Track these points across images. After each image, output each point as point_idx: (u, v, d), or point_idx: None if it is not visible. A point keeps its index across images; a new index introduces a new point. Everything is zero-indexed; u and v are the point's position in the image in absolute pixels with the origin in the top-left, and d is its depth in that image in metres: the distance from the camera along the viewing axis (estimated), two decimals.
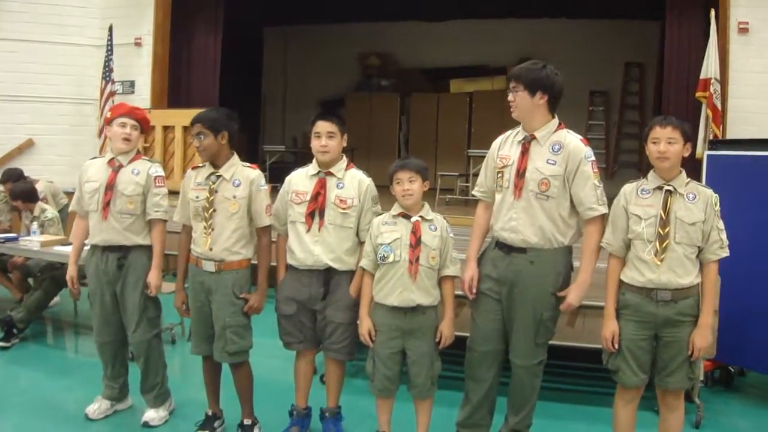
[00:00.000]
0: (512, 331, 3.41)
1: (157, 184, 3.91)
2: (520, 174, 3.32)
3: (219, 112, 3.71)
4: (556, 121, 3.39)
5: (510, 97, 3.34)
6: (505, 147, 3.48)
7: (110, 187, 3.83)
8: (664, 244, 3.07)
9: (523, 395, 3.48)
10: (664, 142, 3.09)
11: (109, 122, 3.95)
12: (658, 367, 3.20)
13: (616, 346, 3.20)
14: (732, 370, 4.85)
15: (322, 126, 3.63)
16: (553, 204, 3.28)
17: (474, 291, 3.45)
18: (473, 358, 3.53)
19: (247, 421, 3.84)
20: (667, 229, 3.07)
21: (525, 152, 3.34)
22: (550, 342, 3.47)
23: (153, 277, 3.86)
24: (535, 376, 3.46)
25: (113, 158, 3.91)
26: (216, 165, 3.67)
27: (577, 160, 3.26)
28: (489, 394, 3.55)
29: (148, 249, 3.91)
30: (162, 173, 3.99)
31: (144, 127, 4.04)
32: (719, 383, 4.83)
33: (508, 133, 3.53)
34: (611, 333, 3.22)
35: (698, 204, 3.08)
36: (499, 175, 3.43)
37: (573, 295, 3.29)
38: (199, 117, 3.63)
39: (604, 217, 3.31)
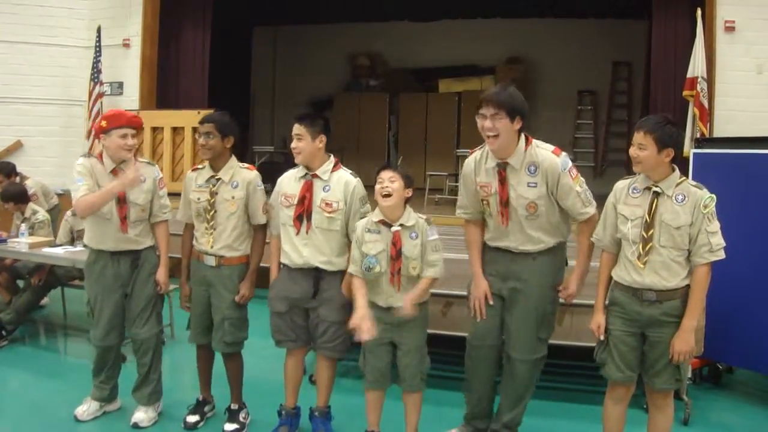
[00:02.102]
0: (514, 326, 3.43)
1: (161, 186, 4.03)
2: (505, 203, 3.36)
3: (229, 118, 3.88)
4: (522, 139, 3.34)
5: (488, 124, 3.22)
6: (480, 173, 3.45)
7: (123, 200, 3.84)
8: (647, 247, 3.06)
9: (519, 391, 3.50)
10: (635, 146, 3.09)
11: (104, 131, 3.84)
12: (645, 366, 3.20)
13: (602, 337, 3.23)
14: (720, 367, 4.87)
15: (294, 128, 3.69)
16: (543, 218, 3.36)
17: (483, 308, 3.45)
18: (474, 353, 3.57)
19: (235, 406, 3.97)
20: (650, 232, 3.06)
21: (503, 181, 3.34)
22: None
23: (161, 274, 3.97)
24: (535, 371, 3.49)
25: (115, 168, 3.86)
26: (215, 167, 3.82)
27: (555, 175, 3.29)
28: (490, 387, 3.60)
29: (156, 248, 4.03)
30: (161, 174, 4.11)
31: (138, 131, 4.06)
32: (707, 380, 4.86)
33: (476, 155, 3.49)
34: (596, 325, 3.26)
35: (686, 207, 3.03)
36: (485, 203, 3.45)
37: (574, 285, 3.42)
38: (213, 118, 3.83)
39: (595, 215, 3.37)
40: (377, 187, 3.40)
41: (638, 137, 3.07)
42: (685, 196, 3.05)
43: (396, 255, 3.38)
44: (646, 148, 3.04)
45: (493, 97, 3.22)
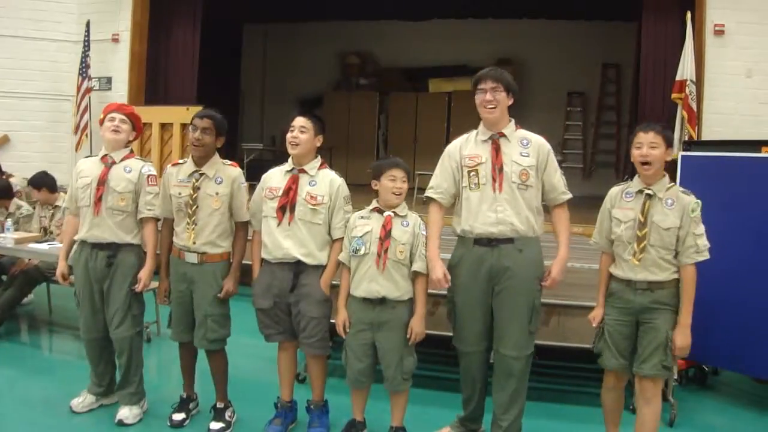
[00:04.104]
0: (504, 323, 3.46)
1: (150, 183, 3.93)
2: (499, 169, 3.45)
3: (223, 117, 3.87)
4: (513, 120, 3.58)
5: (489, 97, 3.46)
6: (467, 148, 3.59)
7: (102, 182, 3.83)
8: (642, 245, 3.24)
9: (515, 390, 3.50)
10: (646, 146, 3.24)
11: (102, 123, 3.96)
12: (637, 354, 3.33)
13: (594, 324, 3.45)
14: (706, 368, 4.90)
15: (297, 120, 3.74)
16: (532, 193, 3.47)
17: (449, 281, 3.50)
18: (466, 359, 3.62)
19: (220, 405, 3.95)
20: (644, 231, 3.23)
21: (498, 149, 3.48)
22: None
23: (144, 274, 3.88)
24: (527, 368, 3.52)
25: (106, 155, 3.91)
26: (198, 162, 3.80)
27: (546, 151, 3.53)
28: (483, 389, 3.66)
29: (137, 248, 3.94)
30: (154, 172, 4.00)
31: (135, 123, 4.01)
32: (693, 382, 4.88)
33: (464, 136, 3.68)
34: (593, 317, 3.47)
35: (675, 210, 3.23)
36: (473, 174, 3.51)
37: (556, 270, 3.49)
38: (212, 115, 3.82)
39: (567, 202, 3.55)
40: (390, 184, 3.55)
41: (649, 137, 3.26)
42: (674, 201, 3.25)
43: (385, 236, 3.50)
44: (658, 146, 3.25)
45: (491, 72, 3.52)
